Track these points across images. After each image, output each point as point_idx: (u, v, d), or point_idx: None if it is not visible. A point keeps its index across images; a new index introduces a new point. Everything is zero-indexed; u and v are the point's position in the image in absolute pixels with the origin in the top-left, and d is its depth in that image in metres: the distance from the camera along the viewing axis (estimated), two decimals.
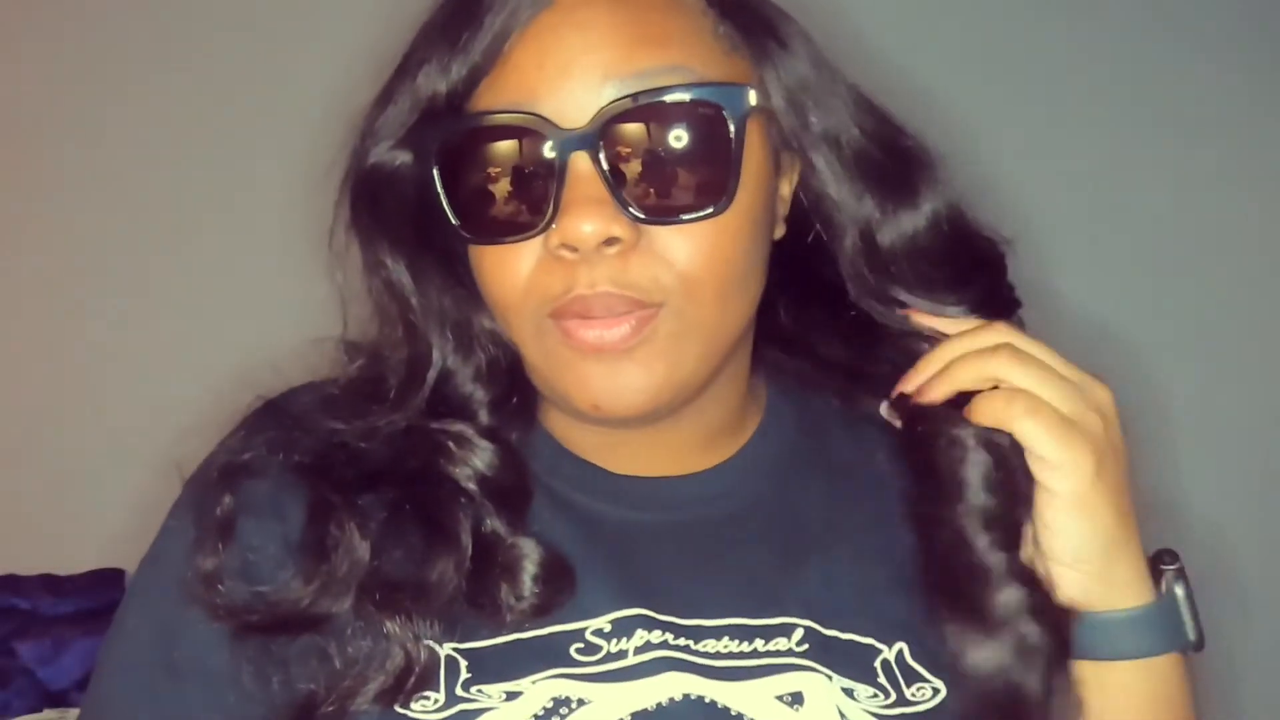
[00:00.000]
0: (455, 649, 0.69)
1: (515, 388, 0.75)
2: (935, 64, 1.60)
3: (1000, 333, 0.73)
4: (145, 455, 1.40)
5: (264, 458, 0.73)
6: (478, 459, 0.72)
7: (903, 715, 0.71)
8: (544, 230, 0.68)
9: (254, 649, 0.68)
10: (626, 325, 0.68)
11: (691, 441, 0.77)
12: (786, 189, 0.77)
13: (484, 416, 0.74)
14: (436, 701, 0.67)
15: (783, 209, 0.77)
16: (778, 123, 0.73)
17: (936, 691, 0.72)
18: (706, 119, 0.69)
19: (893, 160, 0.75)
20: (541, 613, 0.69)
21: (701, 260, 0.69)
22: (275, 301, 1.44)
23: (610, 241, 0.67)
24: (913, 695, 0.72)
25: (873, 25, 1.38)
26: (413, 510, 0.71)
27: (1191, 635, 0.71)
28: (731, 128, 0.69)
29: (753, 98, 0.70)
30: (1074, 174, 1.78)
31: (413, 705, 0.67)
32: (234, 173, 1.74)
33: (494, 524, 0.71)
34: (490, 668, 0.68)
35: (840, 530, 0.77)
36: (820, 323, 0.81)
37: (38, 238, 1.80)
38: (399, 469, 0.72)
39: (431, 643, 0.68)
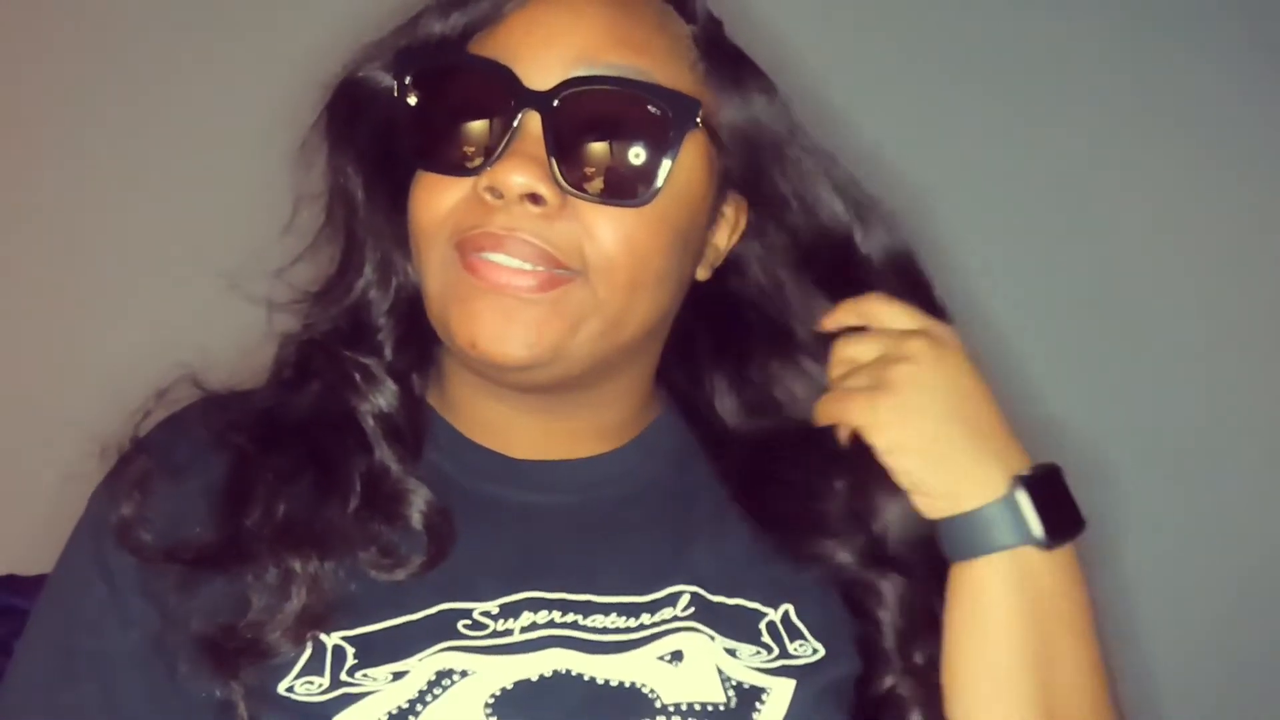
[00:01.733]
0: (344, 637, 0.73)
1: (419, 333, 0.81)
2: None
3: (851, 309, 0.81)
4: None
5: (181, 423, 0.80)
6: (381, 397, 0.78)
7: (784, 667, 0.75)
8: (479, 172, 0.73)
9: (170, 588, 0.74)
10: (534, 280, 0.73)
11: (586, 431, 0.82)
12: (723, 239, 0.83)
13: (389, 352, 0.80)
14: (320, 685, 0.71)
15: (713, 255, 0.84)
16: (729, 168, 0.80)
17: (815, 651, 0.77)
18: (651, 118, 0.75)
19: (835, 254, 0.83)
20: (429, 563, 0.74)
21: (619, 244, 0.74)
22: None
23: (534, 199, 0.72)
24: (794, 650, 0.76)
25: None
26: (313, 456, 0.77)
27: (1036, 531, 0.76)
28: (670, 133, 0.75)
29: (700, 116, 0.76)
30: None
31: (296, 688, 0.70)
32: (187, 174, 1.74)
33: (387, 461, 0.76)
34: (377, 651, 0.72)
35: (729, 508, 0.83)
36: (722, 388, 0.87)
37: (35, 238, 1.79)
38: (308, 411, 0.78)
39: (320, 634, 0.72)
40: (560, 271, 0.74)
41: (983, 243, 1.69)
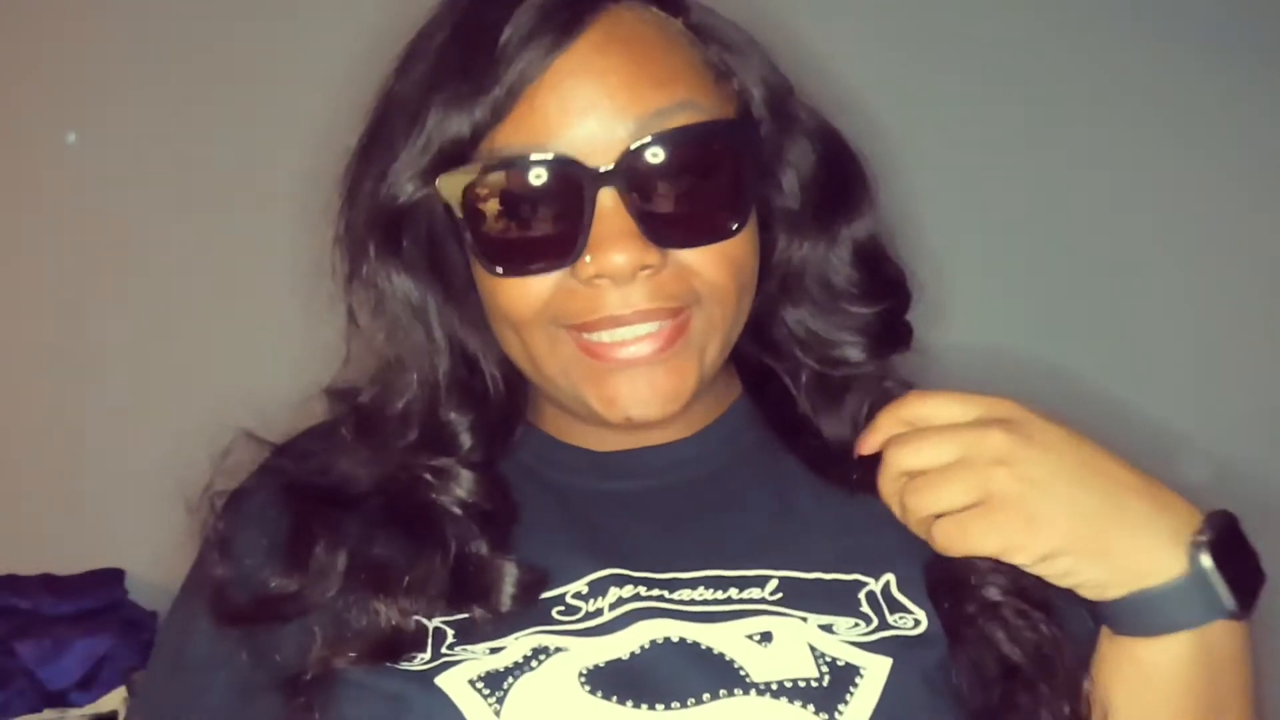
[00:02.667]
0: (443, 621, 0.74)
1: (492, 415, 0.80)
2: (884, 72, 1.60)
3: (896, 415, 0.74)
4: (146, 456, 1.41)
5: (257, 480, 0.80)
6: (459, 488, 0.77)
7: (882, 640, 0.73)
8: (572, 262, 0.73)
9: (250, 635, 0.75)
10: (658, 341, 0.74)
11: (674, 421, 0.81)
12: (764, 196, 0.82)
13: (466, 440, 0.79)
14: (423, 659, 0.72)
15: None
16: (764, 140, 0.79)
17: (918, 622, 0.75)
18: (718, 152, 0.75)
19: (840, 181, 0.81)
20: (517, 617, 0.74)
21: (724, 272, 0.75)
22: (272, 310, 1.44)
23: (643, 268, 0.72)
24: (895, 621, 0.74)
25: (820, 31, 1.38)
26: (399, 515, 0.77)
27: (1228, 604, 0.67)
28: (740, 158, 0.76)
29: (753, 129, 0.77)
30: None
31: (400, 664, 0.72)
32: (251, 178, 1.74)
33: (477, 545, 0.76)
34: (475, 633, 0.73)
35: (816, 484, 0.81)
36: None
37: (36, 239, 1.80)
38: (385, 490, 0.78)
39: (419, 616, 0.73)
40: (678, 319, 0.74)
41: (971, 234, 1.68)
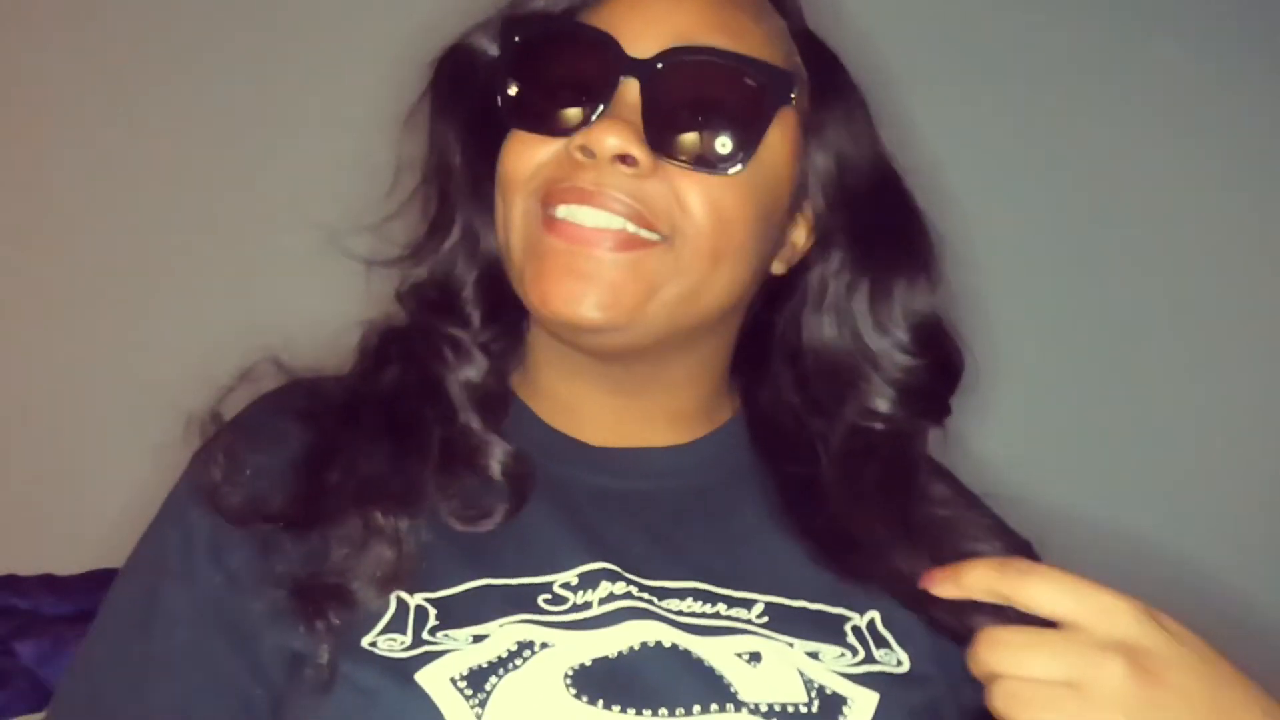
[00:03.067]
0: (425, 598, 0.73)
1: (505, 307, 0.81)
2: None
3: (1011, 576, 0.63)
4: (146, 456, 1.41)
5: (267, 403, 0.81)
6: (470, 369, 0.79)
7: (869, 674, 0.72)
8: (574, 133, 0.74)
9: (251, 552, 0.74)
10: (613, 240, 0.73)
11: (658, 416, 0.81)
12: (801, 236, 0.83)
13: (477, 324, 0.81)
14: (402, 643, 0.70)
15: (789, 252, 0.83)
16: (812, 158, 0.80)
17: (900, 662, 0.74)
18: (746, 89, 0.76)
19: (896, 250, 0.82)
20: (513, 509, 0.75)
21: (707, 210, 0.74)
22: (280, 307, 1.44)
23: (626, 159, 0.73)
24: (880, 657, 0.74)
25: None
26: (393, 425, 0.77)
27: None
28: (763, 105, 0.76)
29: (795, 92, 0.77)
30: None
31: (380, 644, 0.70)
32: (233, 176, 1.74)
33: (470, 422, 0.77)
34: (458, 613, 0.72)
35: (807, 509, 0.81)
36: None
37: (32, 239, 1.80)
38: (389, 387, 0.79)
39: (402, 594, 0.72)
40: (647, 233, 0.74)
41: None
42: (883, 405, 0.81)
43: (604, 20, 0.77)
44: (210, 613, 0.74)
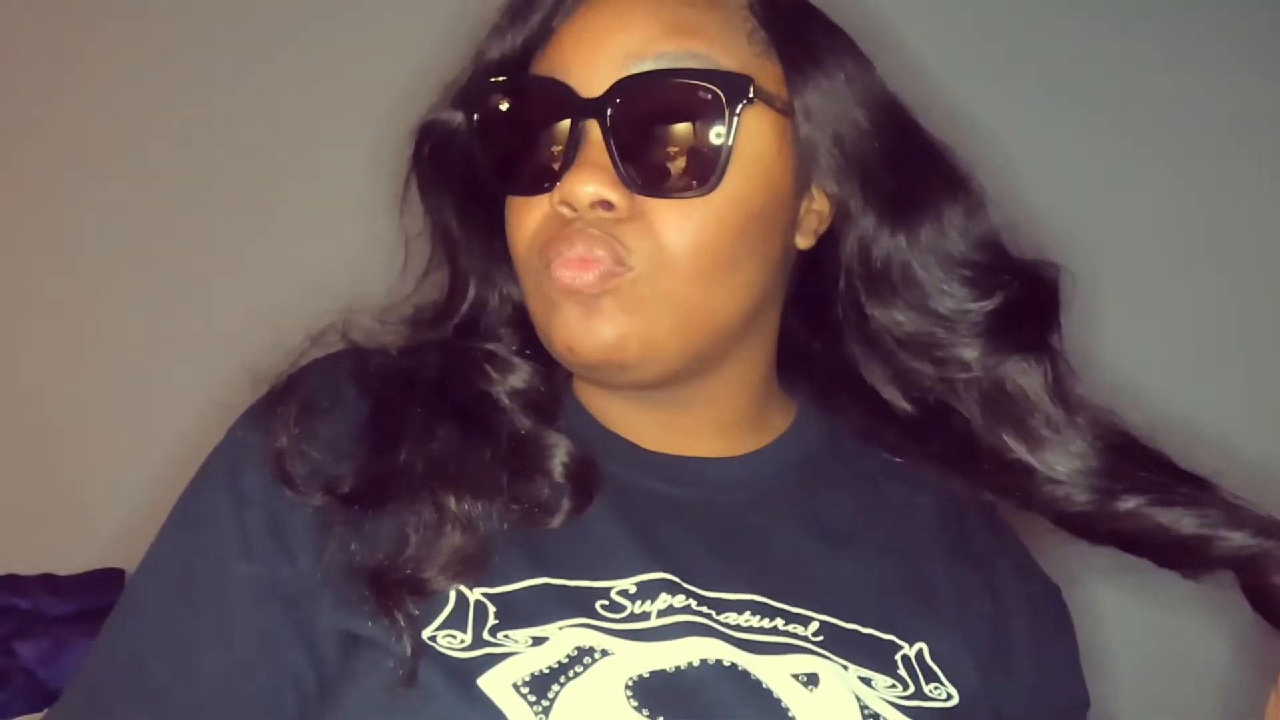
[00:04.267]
0: (485, 594, 0.71)
1: (538, 345, 0.80)
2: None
3: None
4: (146, 455, 1.41)
5: (328, 365, 0.78)
6: (514, 376, 0.79)
7: (919, 708, 0.72)
8: (550, 189, 0.74)
9: (316, 525, 0.71)
10: (594, 272, 0.72)
11: (706, 428, 0.81)
12: (822, 205, 0.80)
13: (514, 344, 0.81)
14: (464, 641, 0.69)
15: (815, 222, 0.80)
16: (801, 135, 0.76)
17: (950, 696, 0.74)
18: (703, 102, 0.72)
19: (924, 193, 0.78)
20: (577, 509, 0.74)
21: (683, 237, 0.73)
22: (279, 304, 1.44)
23: (605, 205, 0.72)
24: (930, 692, 0.73)
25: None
26: (457, 408, 0.76)
27: None
28: (724, 114, 0.72)
29: (753, 90, 0.73)
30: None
31: (439, 639, 0.69)
32: (243, 171, 1.74)
33: (526, 425, 0.76)
34: (518, 612, 0.70)
35: (863, 535, 0.80)
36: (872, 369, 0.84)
37: (37, 236, 1.80)
38: (443, 380, 0.78)
39: (462, 588, 0.71)
40: (618, 267, 0.73)
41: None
42: (969, 355, 0.78)
43: (556, 59, 0.76)
44: (265, 584, 0.71)
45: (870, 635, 0.75)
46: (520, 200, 0.76)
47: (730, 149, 0.73)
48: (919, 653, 0.75)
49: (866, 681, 0.72)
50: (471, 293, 0.82)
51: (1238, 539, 0.74)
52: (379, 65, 1.50)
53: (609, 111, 0.72)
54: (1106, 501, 0.77)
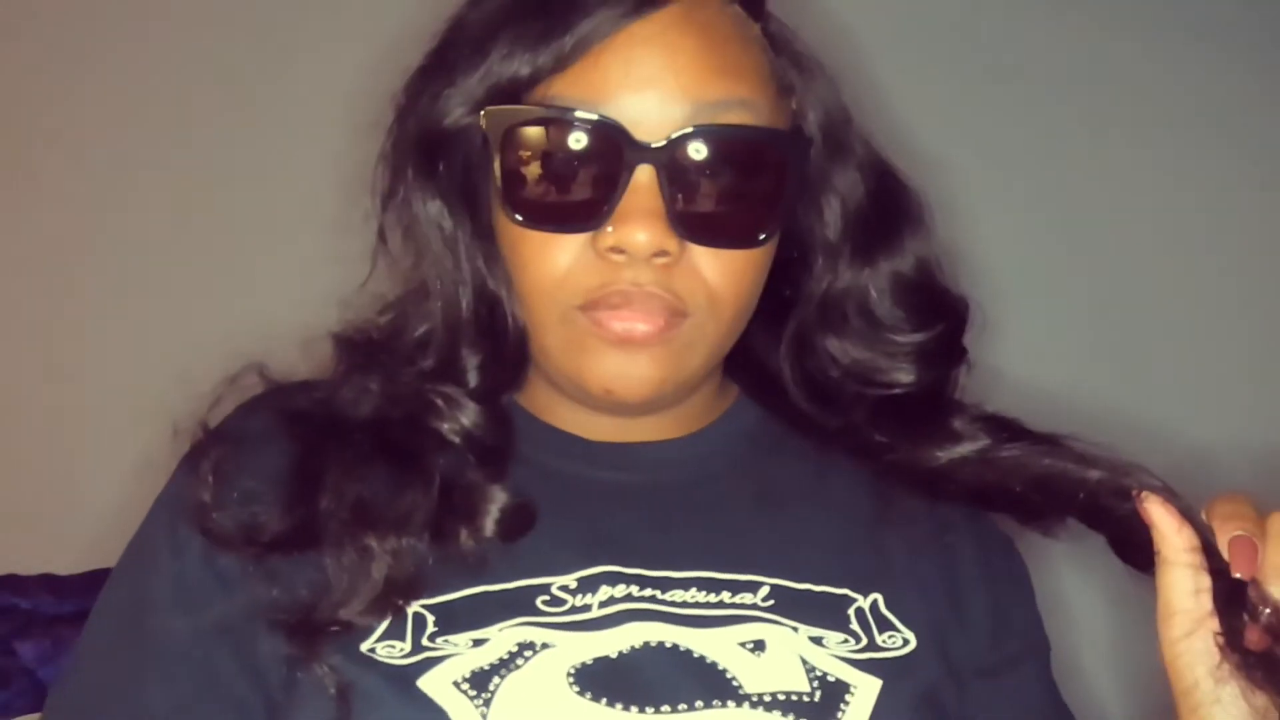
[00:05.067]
0: (423, 605, 0.72)
1: (505, 353, 0.79)
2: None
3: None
4: (146, 456, 1.41)
5: (253, 409, 0.79)
6: (464, 417, 0.77)
7: (871, 660, 0.73)
8: (595, 230, 0.72)
9: (245, 571, 0.73)
10: (655, 325, 0.73)
11: (664, 420, 0.82)
12: (800, 221, 0.82)
13: (473, 379, 0.78)
14: (402, 649, 0.70)
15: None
16: (809, 161, 0.79)
17: (907, 642, 0.75)
18: (765, 161, 0.75)
19: (886, 216, 0.81)
20: (502, 549, 0.73)
21: (731, 284, 0.75)
22: (271, 301, 1.44)
23: (660, 254, 0.71)
24: (884, 642, 0.74)
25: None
26: (391, 448, 0.75)
27: None
28: (783, 172, 0.75)
29: (803, 147, 0.77)
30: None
31: (379, 651, 0.70)
32: (229, 172, 1.74)
33: (471, 473, 0.75)
34: (458, 619, 0.71)
35: (809, 498, 0.81)
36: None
37: (32, 236, 1.79)
38: (386, 418, 0.77)
39: (399, 600, 0.71)
40: (675, 317, 0.74)
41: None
42: (905, 378, 0.82)
43: (598, 89, 0.72)
44: (205, 618, 0.73)
45: (823, 593, 0.76)
46: (539, 235, 0.74)
47: (785, 204, 0.75)
48: (873, 604, 0.76)
49: (817, 640, 0.73)
50: (450, 296, 0.79)
51: (1094, 474, 0.75)
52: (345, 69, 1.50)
53: (668, 160, 0.71)
54: (967, 452, 0.79)
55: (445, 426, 0.77)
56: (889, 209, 0.82)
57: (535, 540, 0.75)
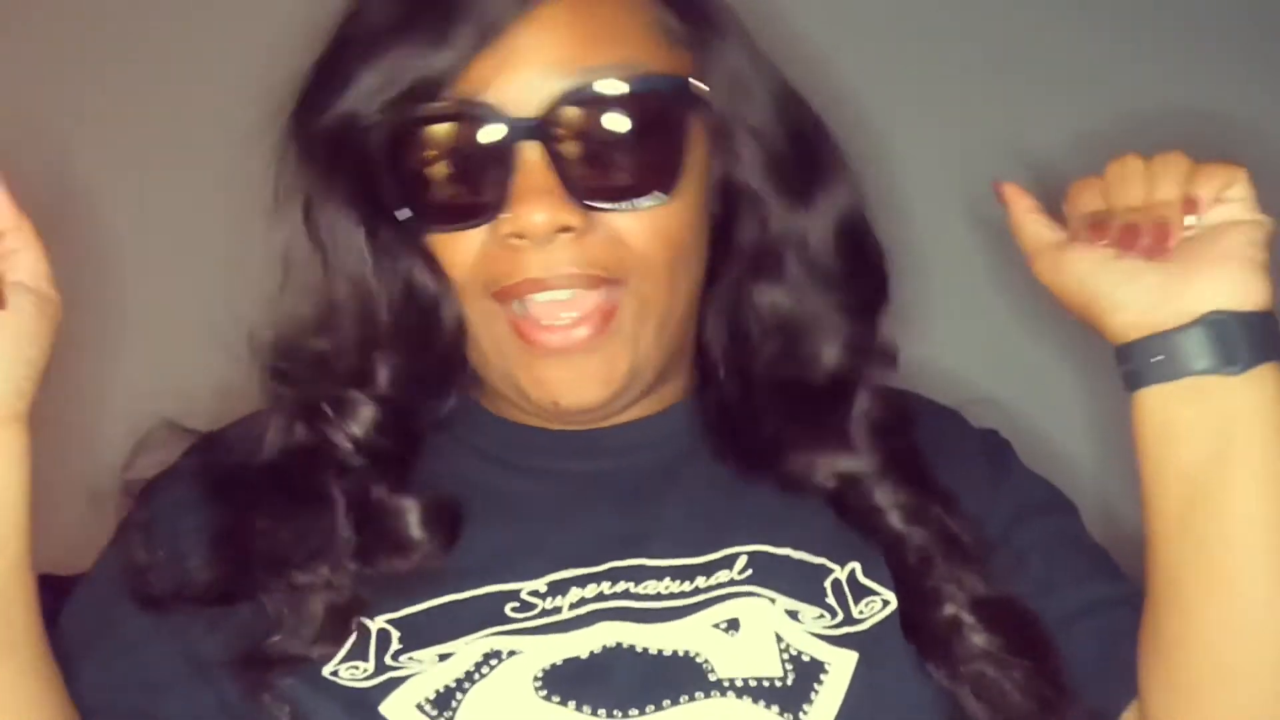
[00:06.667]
0: (388, 620, 0.72)
1: (434, 354, 0.77)
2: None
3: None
4: (147, 456, 1.39)
5: (180, 467, 0.79)
6: (356, 424, 0.76)
7: (847, 635, 0.73)
8: (492, 218, 0.71)
9: (186, 625, 0.73)
10: (588, 327, 0.70)
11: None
12: (720, 172, 0.80)
13: (383, 382, 0.77)
14: (365, 670, 0.70)
15: (718, 203, 0.81)
16: (714, 111, 0.77)
17: (886, 603, 0.75)
18: (652, 109, 0.73)
19: (807, 160, 0.80)
20: (439, 555, 0.73)
21: (653, 241, 0.73)
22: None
23: (563, 229, 0.70)
24: (860, 613, 0.74)
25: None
26: (293, 483, 0.75)
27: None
28: (675, 117, 0.74)
29: (694, 88, 0.74)
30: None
31: (341, 672, 0.70)
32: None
33: (375, 489, 0.74)
34: (423, 634, 0.71)
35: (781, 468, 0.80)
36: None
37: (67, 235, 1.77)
38: (291, 449, 0.76)
39: (363, 619, 0.72)
40: (606, 289, 0.73)
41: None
42: (829, 354, 0.80)
43: (480, 80, 0.71)
44: (172, 649, 0.74)
45: (802, 560, 0.75)
46: (443, 233, 0.73)
47: (684, 150, 0.73)
48: (851, 573, 0.76)
49: (793, 615, 0.73)
50: (354, 306, 0.77)
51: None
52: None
53: (549, 131, 0.70)
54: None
55: (338, 436, 0.76)
56: (811, 151, 0.81)
57: (502, 544, 0.74)
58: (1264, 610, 0.68)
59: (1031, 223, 0.74)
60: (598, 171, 0.71)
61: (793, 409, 0.79)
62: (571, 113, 0.70)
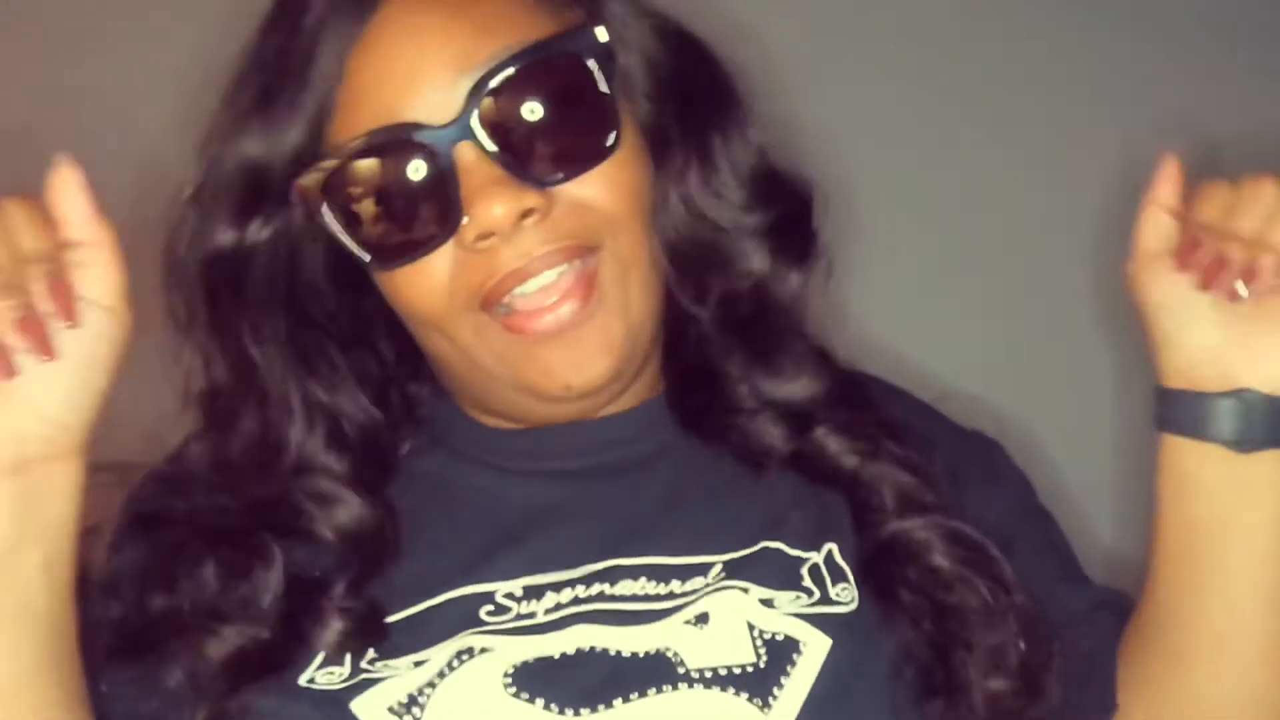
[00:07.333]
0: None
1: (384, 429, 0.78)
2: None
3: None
4: (149, 456, 1.39)
5: (119, 518, 0.75)
6: (341, 513, 0.75)
7: (821, 614, 0.72)
8: (453, 231, 0.70)
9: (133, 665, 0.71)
10: (574, 300, 0.71)
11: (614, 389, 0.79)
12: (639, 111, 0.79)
13: (341, 470, 0.76)
14: (341, 675, 0.70)
15: None
16: (614, 55, 0.75)
17: (854, 600, 0.74)
18: (568, 70, 0.72)
19: (704, 93, 0.79)
20: (442, 626, 0.72)
21: (617, 196, 0.72)
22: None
23: (525, 214, 0.69)
24: (836, 595, 0.74)
25: None
26: (225, 545, 0.73)
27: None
28: (593, 68, 0.72)
29: (601, 34, 0.73)
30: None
31: (318, 679, 0.70)
32: None
33: (334, 577, 0.73)
34: (399, 643, 0.71)
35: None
36: None
37: None
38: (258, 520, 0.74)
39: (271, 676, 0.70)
40: (584, 258, 0.72)
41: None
42: (756, 264, 0.79)
43: (368, 105, 0.70)
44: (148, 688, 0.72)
45: (778, 550, 0.75)
46: (403, 269, 0.72)
47: (614, 98, 0.73)
48: (828, 555, 0.75)
49: (768, 602, 0.72)
50: (298, 416, 0.76)
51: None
52: None
53: (476, 127, 0.69)
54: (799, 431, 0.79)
55: (321, 531, 0.74)
56: (707, 81, 0.80)
57: (474, 543, 0.75)
58: (1258, 669, 0.72)
59: (1156, 221, 0.72)
60: (538, 148, 0.70)
61: (742, 341, 0.79)
62: (488, 103, 0.69)
